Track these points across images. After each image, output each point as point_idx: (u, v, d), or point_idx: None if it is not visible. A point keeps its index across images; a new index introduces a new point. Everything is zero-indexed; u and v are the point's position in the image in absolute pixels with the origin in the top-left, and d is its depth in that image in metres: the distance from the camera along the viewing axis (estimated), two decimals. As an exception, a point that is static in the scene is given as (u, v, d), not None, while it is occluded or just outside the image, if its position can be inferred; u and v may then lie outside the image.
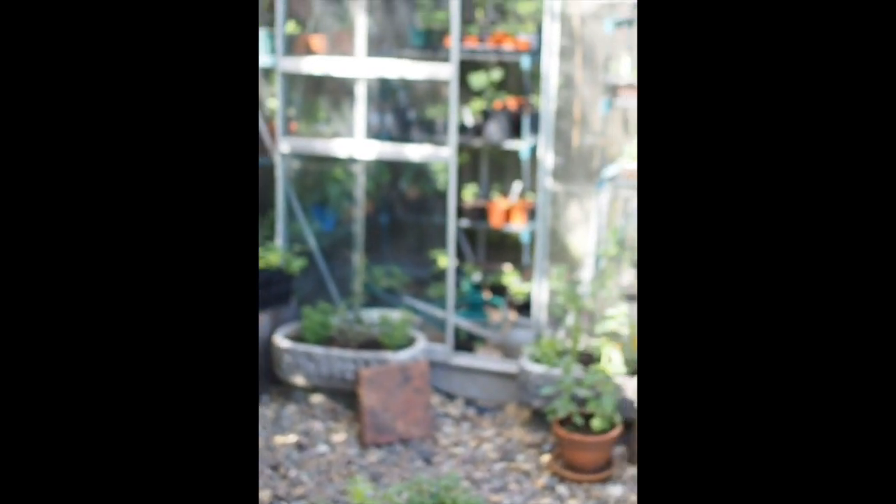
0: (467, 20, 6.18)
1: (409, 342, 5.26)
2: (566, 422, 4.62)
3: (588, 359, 4.96)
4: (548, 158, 5.12)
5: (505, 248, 6.65)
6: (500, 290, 6.25)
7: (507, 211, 6.17)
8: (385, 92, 6.44)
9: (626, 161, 5.66)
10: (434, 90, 6.43)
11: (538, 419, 4.96)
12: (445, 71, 5.13)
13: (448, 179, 5.35)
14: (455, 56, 5.11)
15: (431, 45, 6.19)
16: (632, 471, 4.57)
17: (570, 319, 5.12)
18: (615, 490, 4.42)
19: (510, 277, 6.10)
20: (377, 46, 6.30)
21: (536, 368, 4.86)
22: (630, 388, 4.66)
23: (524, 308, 5.87)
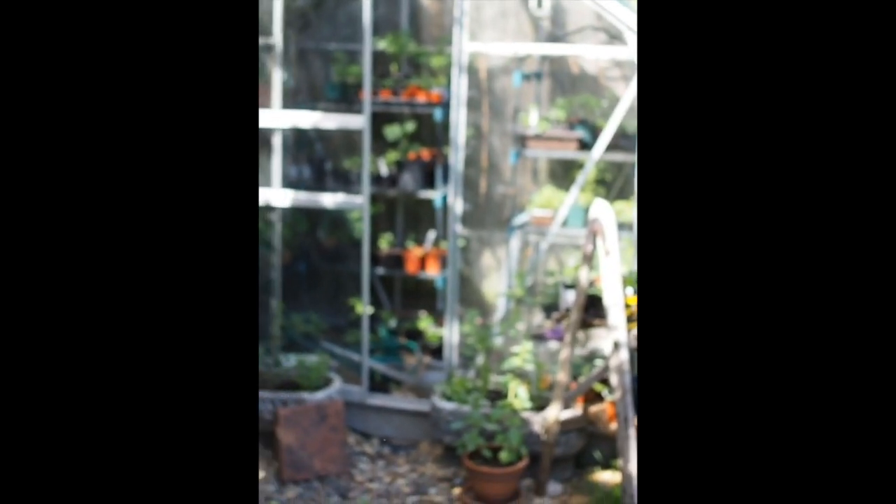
0: (382, 74, 6.39)
1: (326, 383, 5.41)
2: (475, 455, 4.80)
3: (496, 395, 5.15)
4: (457, 206, 5.33)
5: (420, 294, 6.84)
6: (415, 335, 6.43)
7: (422, 258, 6.38)
8: (301, 143, 6.63)
9: (534, 209, 5.90)
10: (349, 142, 6.63)
11: (450, 455, 5.13)
12: (357, 121, 5.34)
13: (363, 227, 5.53)
14: (367, 107, 5.32)
15: (346, 97, 6.40)
16: (538, 501, 4.76)
17: (479, 359, 5.31)
18: (522, 520, 4.61)
19: (425, 323, 6.28)
20: (293, 99, 6.49)
21: (447, 406, 5.04)
22: (536, 421, 4.86)
23: (438, 352, 6.05)
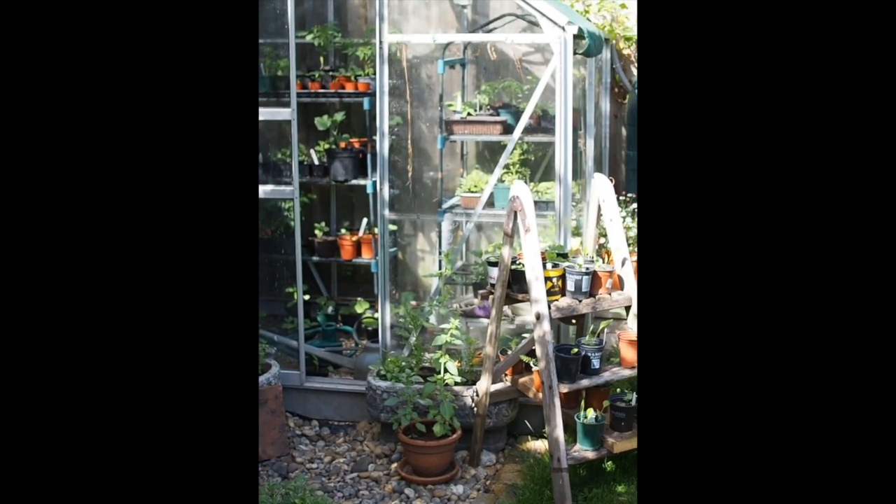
0: (311, 67, 6.54)
1: (264, 369, 5.55)
2: (410, 430, 4.97)
3: (429, 372, 5.32)
4: (385, 192, 5.50)
5: (357, 280, 7.01)
6: (352, 319, 6.60)
7: (356, 245, 6.53)
8: (234, 137, 6.73)
9: (463, 192, 6.08)
10: (280, 134, 6.77)
11: (387, 432, 5.30)
12: (285, 113, 5.49)
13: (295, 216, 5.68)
14: (293, 99, 5.47)
15: (276, 91, 6.53)
16: (473, 471, 4.94)
17: (413, 339, 5.48)
18: (457, 489, 4.78)
19: (362, 307, 6.44)
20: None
21: (382, 384, 5.21)
22: (467, 395, 5.04)
23: (375, 334, 6.20)
